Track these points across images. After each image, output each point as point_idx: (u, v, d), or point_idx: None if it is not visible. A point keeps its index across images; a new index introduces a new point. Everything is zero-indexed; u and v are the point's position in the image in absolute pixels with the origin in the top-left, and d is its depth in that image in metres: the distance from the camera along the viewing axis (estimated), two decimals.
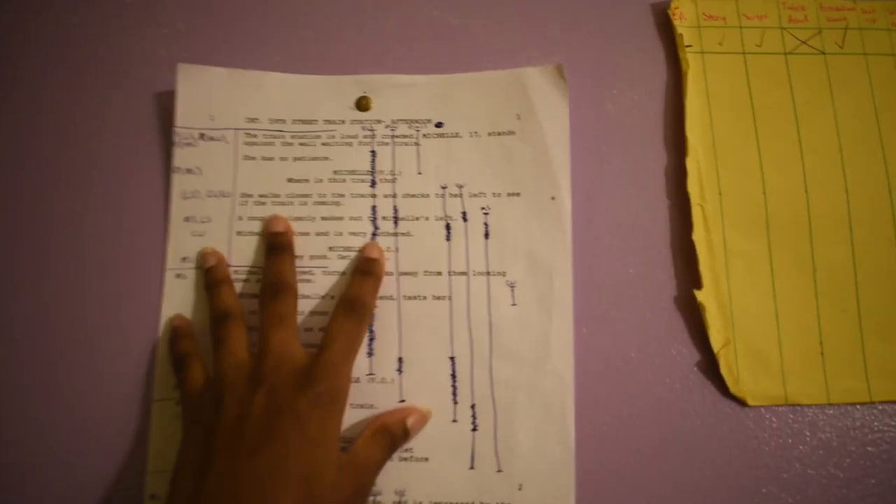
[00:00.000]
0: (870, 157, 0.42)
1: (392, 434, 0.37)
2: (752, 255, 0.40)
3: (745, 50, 0.43)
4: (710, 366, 0.39)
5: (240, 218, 0.41)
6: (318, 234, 0.40)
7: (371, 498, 0.38)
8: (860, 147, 0.42)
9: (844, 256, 0.41)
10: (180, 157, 0.41)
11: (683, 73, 0.42)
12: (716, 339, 0.39)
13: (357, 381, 0.38)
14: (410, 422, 0.38)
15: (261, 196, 0.41)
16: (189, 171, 0.41)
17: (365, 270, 0.39)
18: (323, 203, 0.41)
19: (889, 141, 0.42)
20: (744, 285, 0.40)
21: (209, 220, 0.41)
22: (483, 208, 0.41)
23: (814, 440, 0.39)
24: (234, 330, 0.38)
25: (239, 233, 0.41)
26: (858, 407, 0.40)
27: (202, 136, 0.41)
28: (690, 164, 0.41)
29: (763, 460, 0.39)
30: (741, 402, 0.39)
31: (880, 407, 0.40)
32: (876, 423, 0.39)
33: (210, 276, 0.40)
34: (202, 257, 0.40)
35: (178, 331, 0.39)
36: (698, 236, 0.40)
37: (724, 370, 0.39)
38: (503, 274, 0.40)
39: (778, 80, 0.43)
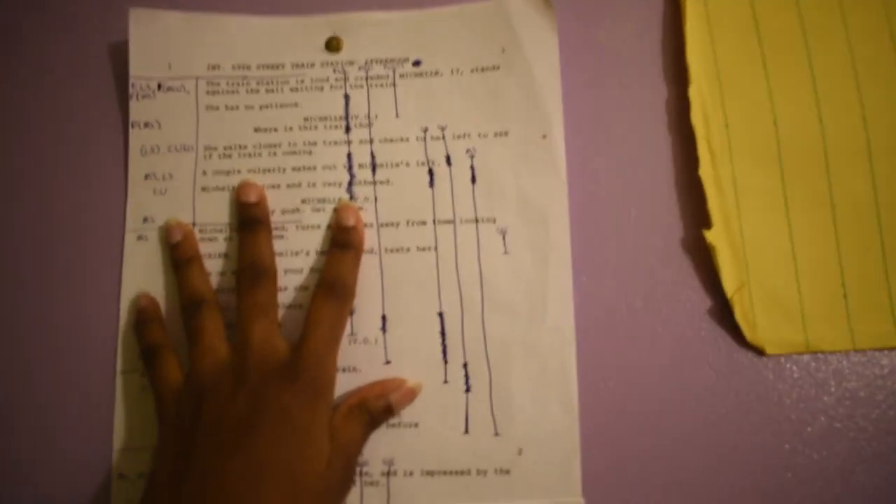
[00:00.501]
0: (888, 82, 0.38)
1: (370, 411, 0.34)
2: (765, 190, 0.37)
3: None
4: (723, 312, 0.36)
5: (204, 173, 0.37)
6: (289, 186, 0.37)
7: (357, 468, 0.35)
8: (877, 72, 0.38)
9: (865, 190, 0.37)
10: (137, 110, 0.38)
11: None
12: (729, 283, 0.36)
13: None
14: (394, 398, 0.35)
15: (226, 148, 0.38)
16: (147, 124, 0.38)
17: (342, 243, 0.36)
18: (294, 153, 0.38)
19: None
20: (757, 224, 0.37)
21: (171, 176, 0.37)
22: (468, 150, 0.37)
23: (839, 390, 0.36)
24: (209, 320, 0.35)
25: (203, 189, 0.37)
26: (886, 353, 0.36)
27: (160, 86, 0.38)
28: (693, 94, 0.37)
29: (785, 414, 0.35)
30: (759, 352, 0.36)
31: None
32: None
33: (177, 254, 0.36)
34: (166, 231, 0.37)
35: (144, 314, 0.36)
36: (705, 172, 0.37)
37: (739, 317, 0.35)
38: (493, 220, 0.36)
39: (784, 3, 0.39)
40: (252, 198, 0.37)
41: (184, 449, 0.32)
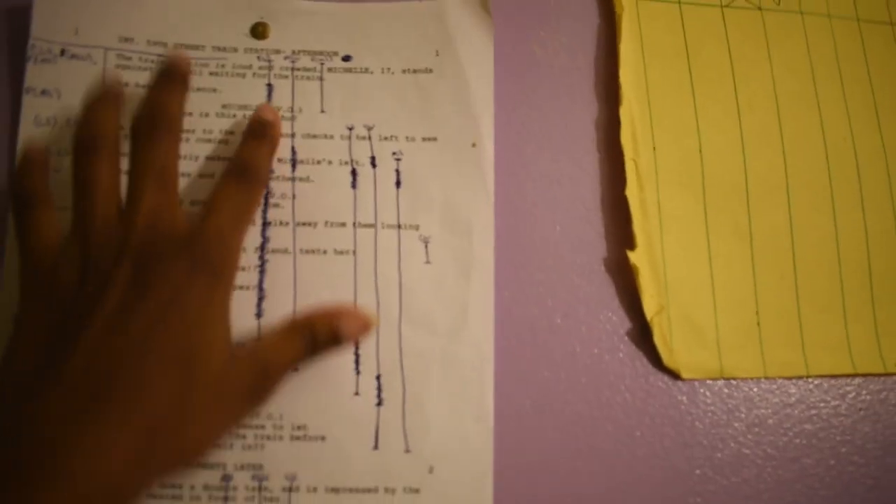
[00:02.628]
0: (807, 120, 0.40)
1: (314, 334, 0.30)
2: (688, 216, 0.37)
3: None
4: (642, 335, 0.36)
5: None
6: (201, 175, 0.35)
7: (256, 483, 0.32)
8: (797, 109, 0.40)
9: (782, 222, 0.38)
10: (34, 74, 0.35)
11: (617, 16, 0.39)
12: (649, 306, 0.35)
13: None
14: (345, 325, 0.30)
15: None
16: (45, 92, 0.34)
17: (259, 133, 0.33)
18: (209, 141, 0.35)
19: (825, 104, 0.40)
20: (678, 248, 0.37)
21: (67, 153, 0.34)
22: (395, 153, 0.36)
23: (749, 417, 0.36)
24: (104, 168, 0.30)
25: None
26: (795, 382, 0.37)
27: (63, 52, 0.35)
28: (624, 114, 0.37)
29: (697, 439, 0.35)
30: (675, 375, 0.36)
31: (817, 381, 0.37)
32: (812, 399, 0.37)
33: (94, 91, 0.31)
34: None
35: (29, 161, 0.31)
36: (632, 193, 0.36)
37: (657, 340, 0.35)
38: (416, 227, 0.35)
39: (714, 33, 0.40)
40: (173, 55, 0.33)
41: (58, 313, 0.28)
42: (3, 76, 0.35)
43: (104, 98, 0.31)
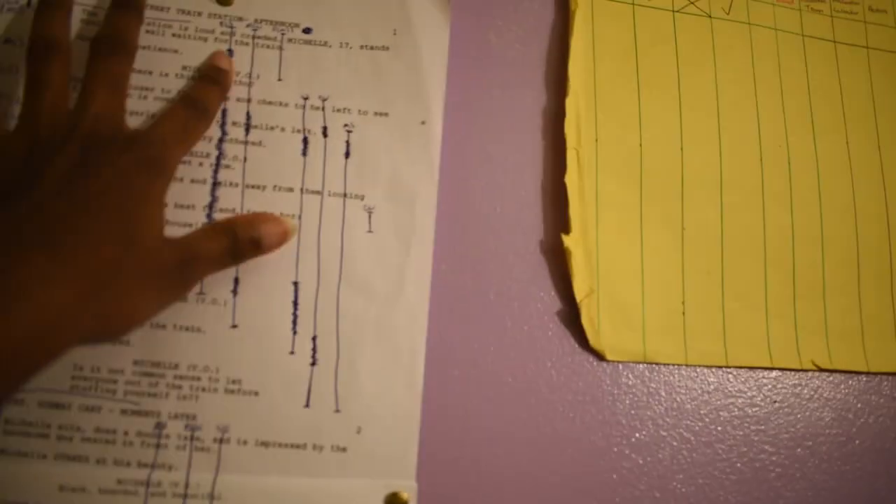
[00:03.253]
0: (744, 125, 0.42)
1: (236, 237, 0.32)
2: (624, 205, 0.39)
3: (634, 1, 0.42)
4: (571, 316, 0.37)
5: None
6: None
7: (188, 433, 0.33)
8: (736, 114, 0.42)
9: (713, 218, 0.40)
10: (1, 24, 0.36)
11: (571, 12, 0.41)
12: (580, 288, 0.37)
13: (184, 300, 0.34)
14: (265, 230, 0.33)
15: None
16: (8, 41, 0.35)
17: (212, 78, 0.35)
18: (166, 99, 0.36)
19: (764, 111, 0.42)
20: (612, 236, 0.38)
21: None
22: (346, 125, 0.37)
23: (669, 401, 0.38)
24: (57, 72, 0.32)
25: None
26: (714, 370, 0.39)
27: (30, 3, 0.36)
28: (570, 105, 0.39)
29: (616, 418, 0.37)
30: (599, 356, 0.37)
31: (735, 372, 0.39)
32: (730, 388, 0.39)
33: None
34: None
35: (49, 4, 0.33)
36: (571, 180, 0.38)
37: (585, 321, 0.37)
38: (361, 197, 0.36)
39: (664, 36, 0.42)
40: None
41: (10, 179, 0.29)
42: None
43: (55, 4, 0.33)
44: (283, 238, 0.34)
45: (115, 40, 0.33)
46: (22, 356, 0.26)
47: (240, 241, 0.32)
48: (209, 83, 0.35)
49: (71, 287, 0.27)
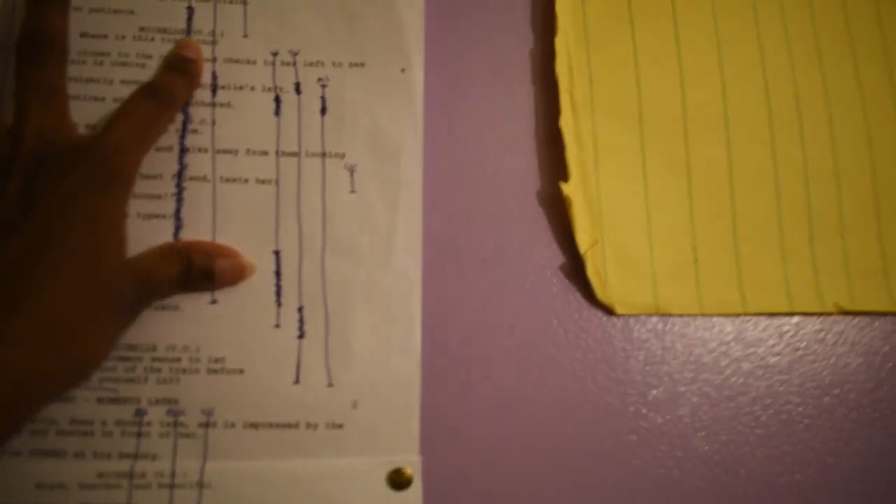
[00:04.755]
0: (747, 57, 0.39)
1: (192, 262, 0.31)
2: (624, 149, 0.36)
3: None
4: (575, 269, 0.35)
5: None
6: (115, 100, 0.33)
7: (171, 418, 0.31)
8: (738, 45, 0.39)
9: (720, 157, 0.37)
10: None
11: None
12: (582, 239, 0.35)
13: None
14: (220, 265, 0.31)
15: None
16: None
17: (178, 69, 0.33)
18: (125, 64, 0.34)
19: (767, 41, 0.39)
20: (614, 181, 0.36)
21: None
22: (320, 79, 0.34)
23: (685, 354, 0.35)
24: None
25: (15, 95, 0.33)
26: (731, 319, 0.36)
27: None
28: (559, 44, 0.36)
29: (630, 376, 0.34)
30: (608, 311, 0.35)
31: (754, 320, 0.36)
32: (749, 337, 0.36)
33: None
34: None
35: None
36: (566, 124, 0.35)
37: (590, 273, 0.34)
38: (342, 156, 0.34)
39: None
40: None
41: None
42: None
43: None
44: (237, 276, 0.32)
45: (39, 43, 0.31)
46: None
47: (193, 269, 0.31)
48: (173, 72, 0.33)
49: (31, 344, 0.26)
